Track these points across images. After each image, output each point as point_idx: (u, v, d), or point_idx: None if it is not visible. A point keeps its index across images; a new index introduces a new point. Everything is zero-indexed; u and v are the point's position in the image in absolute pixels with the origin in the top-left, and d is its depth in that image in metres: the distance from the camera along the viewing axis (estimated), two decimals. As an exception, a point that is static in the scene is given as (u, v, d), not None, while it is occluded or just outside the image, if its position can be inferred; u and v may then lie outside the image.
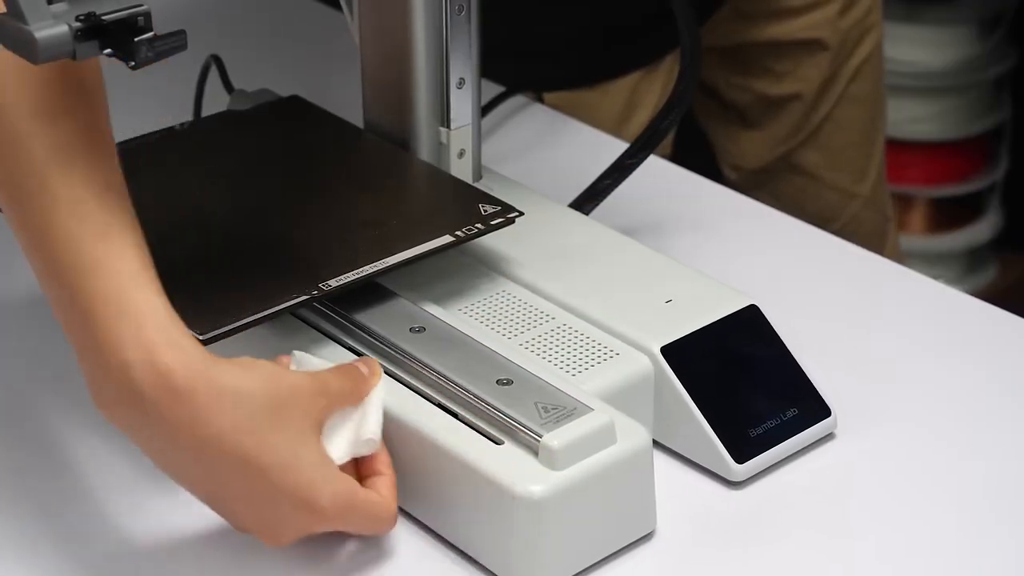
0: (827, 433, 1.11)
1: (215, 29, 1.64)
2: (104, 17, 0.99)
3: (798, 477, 1.09)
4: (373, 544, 1.04)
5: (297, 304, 1.04)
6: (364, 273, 1.07)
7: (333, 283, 1.06)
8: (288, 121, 1.28)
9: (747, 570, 1.02)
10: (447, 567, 1.02)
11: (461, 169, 1.23)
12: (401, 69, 1.20)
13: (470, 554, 1.02)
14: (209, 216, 1.15)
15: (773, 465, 1.09)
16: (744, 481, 1.08)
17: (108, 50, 1.00)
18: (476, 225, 1.12)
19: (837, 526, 1.05)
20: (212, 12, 1.70)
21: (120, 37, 0.99)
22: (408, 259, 1.09)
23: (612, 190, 1.27)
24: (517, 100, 1.54)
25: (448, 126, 1.21)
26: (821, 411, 1.11)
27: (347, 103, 1.31)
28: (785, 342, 1.12)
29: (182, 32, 1.02)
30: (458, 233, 1.11)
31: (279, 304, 1.04)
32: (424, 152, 1.22)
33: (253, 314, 1.02)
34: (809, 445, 1.11)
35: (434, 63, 1.19)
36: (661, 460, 1.09)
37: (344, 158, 1.23)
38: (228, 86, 1.33)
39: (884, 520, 1.06)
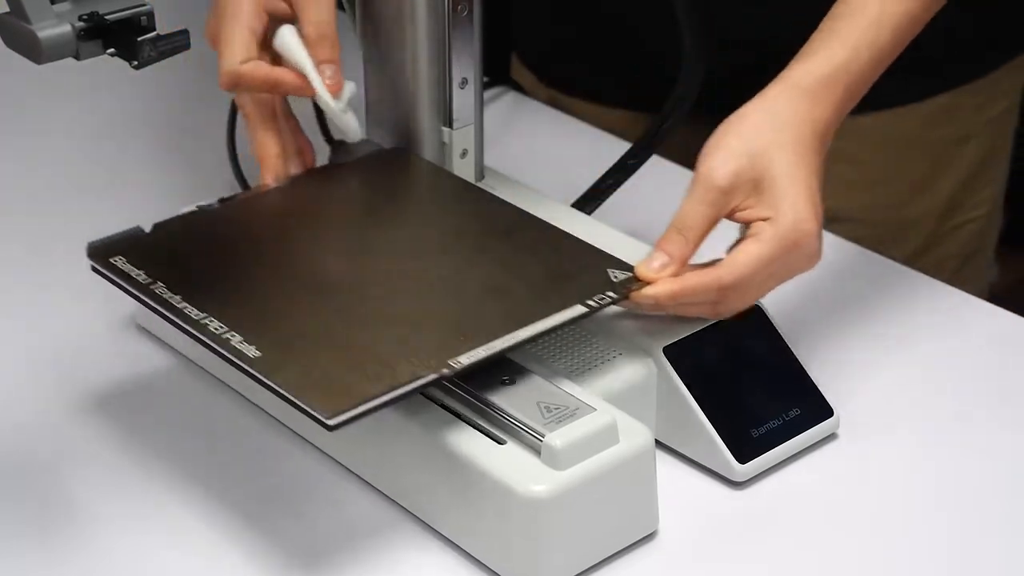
0: (830, 433, 1.11)
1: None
2: (107, 17, 0.99)
3: (801, 477, 1.09)
4: (374, 543, 1.04)
5: (427, 384, 0.98)
6: (496, 350, 1.00)
7: (464, 360, 0.99)
8: (395, 175, 1.22)
9: (749, 570, 1.02)
10: (449, 567, 1.02)
11: (463, 169, 1.23)
12: (403, 69, 1.20)
13: (472, 553, 1.02)
14: (326, 282, 1.08)
15: (776, 465, 1.09)
16: (746, 481, 1.08)
17: (111, 49, 1.00)
18: (608, 293, 1.06)
19: (840, 526, 1.05)
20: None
21: (123, 37, 1.00)
22: (540, 333, 1.03)
23: (614, 190, 1.27)
24: (518, 100, 1.54)
25: (451, 126, 1.21)
26: (823, 411, 1.11)
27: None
28: (787, 342, 1.12)
29: (184, 32, 1.03)
30: (590, 303, 1.05)
31: (409, 384, 0.97)
32: (427, 152, 1.22)
33: (382, 395, 0.96)
34: (812, 445, 1.11)
35: (436, 63, 1.19)
36: (663, 460, 1.09)
37: (457, 215, 1.17)
38: (327, 136, 1.26)
39: (886, 520, 1.06)
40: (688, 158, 1.45)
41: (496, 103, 1.53)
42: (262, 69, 1.13)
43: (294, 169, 1.19)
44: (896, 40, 1.12)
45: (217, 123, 1.48)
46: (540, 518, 0.98)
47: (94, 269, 1.09)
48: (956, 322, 1.24)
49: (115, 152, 1.48)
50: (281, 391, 0.97)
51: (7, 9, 0.98)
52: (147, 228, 1.12)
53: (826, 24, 1.12)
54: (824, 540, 1.04)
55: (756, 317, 1.12)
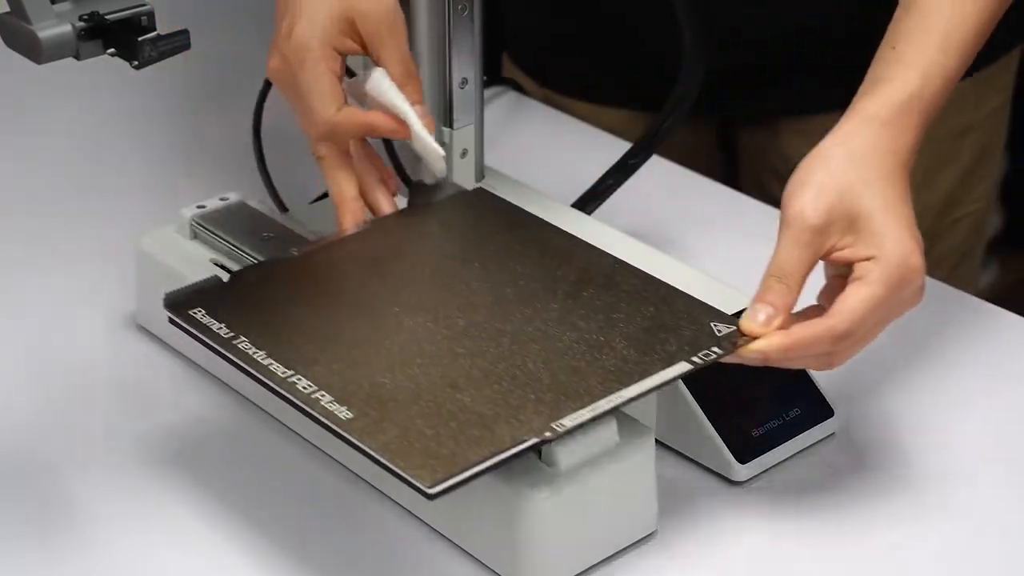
0: (830, 433, 1.11)
1: (216, 28, 1.64)
2: (107, 16, 0.99)
3: (801, 477, 1.09)
4: (376, 543, 1.04)
5: (530, 447, 0.94)
6: (600, 411, 0.96)
7: (567, 423, 0.95)
8: (479, 219, 1.17)
9: (749, 570, 1.02)
10: (449, 566, 1.02)
11: (464, 169, 1.23)
12: (403, 69, 1.20)
13: (472, 553, 1.02)
14: (416, 335, 1.03)
15: (775, 465, 1.09)
16: (746, 480, 1.08)
17: (111, 49, 1.00)
18: (713, 349, 1.01)
19: (839, 526, 1.05)
20: (212, 11, 1.70)
21: (123, 37, 1.00)
22: (645, 392, 0.98)
23: (614, 190, 1.27)
24: (517, 99, 1.54)
25: (451, 126, 1.21)
26: (823, 411, 1.11)
27: (349, 103, 1.31)
28: (787, 342, 1.12)
29: (184, 31, 1.03)
30: (695, 360, 1.00)
31: (511, 448, 0.93)
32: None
33: (483, 461, 0.92)
34: (811, 445, 1.11)
35: (437, 63, 1.19)
36: (664, 460, 1.09)
37: (549, 263, 1.10)
38: (404, 177, 1.22)
39: (886, 520, 1.06)
40: (688, 158, 1.45)
41: (495, 103, 1.53)
42: (356, 116, 1.11)
43: (382, 198, 1.15)
44: (964, 58, 1.09)
45: (217, 123, 1.48)
46: (540, 518, 0.98)
47: (172, 322, 1.03)
48: (956, 322, 1.24)
49: (115, 152, 1.48)
50: (378, 457, 0.93)
51: (7, 9, 0.98)
52: (221, 275, 1.08)
53: (889, 48, 1.08)
54: (824, 540, 1.04)
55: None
